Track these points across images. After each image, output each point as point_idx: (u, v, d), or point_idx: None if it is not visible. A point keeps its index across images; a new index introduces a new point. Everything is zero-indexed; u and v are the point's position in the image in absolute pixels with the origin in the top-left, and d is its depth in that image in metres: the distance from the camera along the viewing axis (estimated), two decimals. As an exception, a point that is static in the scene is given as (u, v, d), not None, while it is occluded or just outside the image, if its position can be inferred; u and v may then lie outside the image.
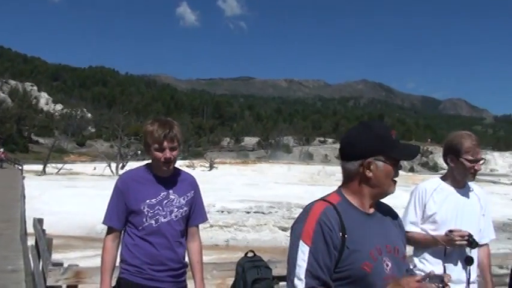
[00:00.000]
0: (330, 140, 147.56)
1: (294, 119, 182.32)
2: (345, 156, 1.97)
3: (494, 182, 56.25)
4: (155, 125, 3.06)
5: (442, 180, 3.39)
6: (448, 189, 3.32)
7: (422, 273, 3.29)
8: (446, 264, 3.21)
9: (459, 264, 3.21)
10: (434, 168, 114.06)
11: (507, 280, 6.52)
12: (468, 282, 3.18)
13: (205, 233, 16.64)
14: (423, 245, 3.30)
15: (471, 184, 3.39)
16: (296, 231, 1.88)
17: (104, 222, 3.19)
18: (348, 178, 1.97)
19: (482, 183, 53.20)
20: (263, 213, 21.12)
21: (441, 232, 3.20)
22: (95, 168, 51.34)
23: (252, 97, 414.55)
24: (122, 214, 3.14)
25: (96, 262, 3.88)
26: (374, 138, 1.92)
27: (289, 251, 1.88)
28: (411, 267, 3.13)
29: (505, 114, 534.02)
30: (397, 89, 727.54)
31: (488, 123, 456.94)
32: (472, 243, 3.11)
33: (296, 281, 1.80)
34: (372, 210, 1.98)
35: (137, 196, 3.10)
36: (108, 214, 3.18)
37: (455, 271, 3.15)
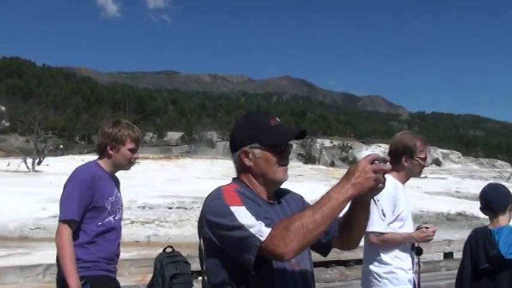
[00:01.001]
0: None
1: (218, 114, 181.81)
2: (231, 149, 1.99)
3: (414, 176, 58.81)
4: (131, 127, 3.31)
5: (395, 179, 3.54)
6: (401, 186, 3.57)
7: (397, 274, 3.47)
8: (412, 257, 3.52)
9: (413, 255, 3.55)
10: (353, 163, 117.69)
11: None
12: (413, 269, 3.55)
13: (126, 229, 16.23)
14: (400, 243, 3.47)
15: None
16: (218, 207, 1.80)
17: (65, 217, 3.11)
18: (237, 170, 1.99)
19: (397, 177, 55.59)
20: (185, 208, 20.96)
21: (405, 229, 3.47)
22: (8, 164, 48.91)
23: (175, 91, 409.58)
24: (83, 209, 3.14)
25: (10, 262, 3.71)
26: (249, 127, 1.94)
27: (228, 228, 1.75)
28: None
29: (420, 111, 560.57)
30: (319, 85, 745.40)
31: (404, 119, 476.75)
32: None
33: (258, 235, 1.70)
34: (271, 201, 1.96)
35: (103, 193, 3.22)
36: (71, 207, 3.11)
37: (411, 261, 3.52)
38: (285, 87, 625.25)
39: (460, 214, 22.58)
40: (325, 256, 2.14)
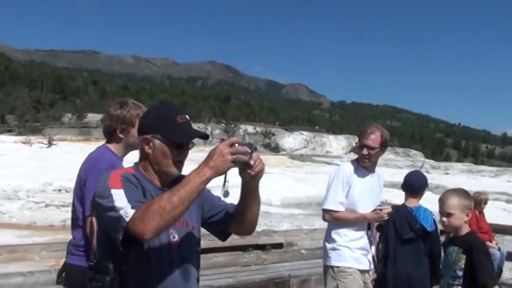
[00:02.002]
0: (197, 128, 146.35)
1: (141, 96, 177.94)
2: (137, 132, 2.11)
3: (328, 163, 60.35)
4: (139, 107, 3.12)
5: (356, 163, 3.82)
6: (362, 171, 3.79)
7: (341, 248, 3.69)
8: (365, 238, 3.74)
9: (370, 235, 3.81)
10: (275, 149, 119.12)
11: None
12: (370, 250, 3.82)
13: (40, 213, 15.72)
14: (352, 222, 3.70)
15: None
16: (102, 190, 1.90)
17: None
18: (139, 153, 2.10)
19: (318, 164, 56.93)
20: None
21: (360, 209, 3.70)
22: None
23: (96, 72, 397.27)
24: None
25: None
26: (156, 117, 2.03)
27: (106, 209, 1.87)
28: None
29: (341, 100, 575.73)
30: (244, 71, 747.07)
31: (326, 108, 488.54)
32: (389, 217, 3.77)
33: (124, 216, 1.81)
34: (165, 188, 2.01)
35: None
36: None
37: (368, 242, 3.77)
38: (210, 72, 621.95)
39: (375, 201, 23.40)
40: (223, 241, 2.29)
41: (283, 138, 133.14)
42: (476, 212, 7.32)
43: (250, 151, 1.82)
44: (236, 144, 1.81)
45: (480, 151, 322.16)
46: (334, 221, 3.73)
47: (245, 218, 2.10)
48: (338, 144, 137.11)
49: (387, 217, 3.75)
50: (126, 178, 1.94)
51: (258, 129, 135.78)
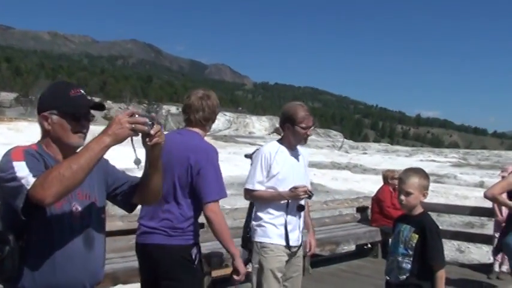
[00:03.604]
0: (96, 99, 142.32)
1: (58, 75, 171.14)
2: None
3: (251, 144, 60.92)
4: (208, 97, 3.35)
5: (279, 143, 3.87)
6: (285, 151, 3.84)
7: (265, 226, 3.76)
8: (288, 215, 3.80)
9: (295, 212, 3.82)
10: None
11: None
12: (299, 227, 3.90)
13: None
14: (270, 200, 3.80)
15: (298, 147, 3.94)
16: (3, 164, 1.94)
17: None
18: (41, 132, 2.17)
19: (241, 144, 57.37)
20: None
21: (282, 188, 3.75)
22: None
23: (9, 49, 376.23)
24: None
25: None
26: (51, 95, 2.14)
27: (7, 180, 1.91)
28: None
29: (264, 82, 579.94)
30: (166, 51, 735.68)
31: (249, 89, 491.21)
32: (310, 195, 3.81)
33: (26, 184, 1.86)
34: None
35: None
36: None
37: (294, 219, 3.82)
38: (131, 50, 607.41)
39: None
40: (130, 212, 2.42)
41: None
42: (391, 189, 7.60)
43: (150, 122, 1.91)
44: (136, 115, 1.90)
45: (396, 132, 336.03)
46: (253, 199, 3.88)
47: (148, 187, 2.21)
48: (261, 125, 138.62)
49: (303, 195, 3.78)
50: (28, 152, 2.00)
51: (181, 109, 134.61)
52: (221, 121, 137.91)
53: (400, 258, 3.24)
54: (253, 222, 3.88)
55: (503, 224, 5.77)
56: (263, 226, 3.80)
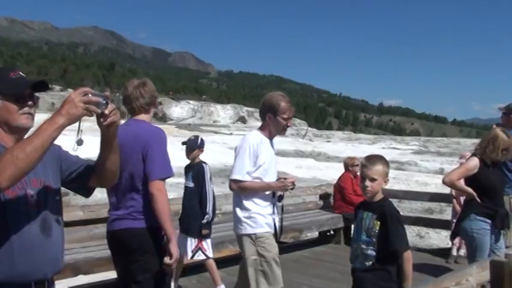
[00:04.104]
0: (57, 88, 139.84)
1: (17, 62, 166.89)
2: None
3: (215, 132, 60.83)
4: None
5: (261, 133, 3.92)
6: (267, 141, 3.90)
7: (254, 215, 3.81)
8: (273, 204, 3.92)
9: (276, 201, 3.96)
10: (163, 119, 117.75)
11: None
12: (277, 214, 4.01)
13: None
14: (258, 191, 3.84)
15: None
16: None
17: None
18: None
19: (205, 133, 57.16)
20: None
21: (266, 178, 3.83)
22: None
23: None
24: None
25: None
26: None
27: None
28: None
29: (228, 70, 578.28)
30: (129, 38, 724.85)
31: (213, 77, 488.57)
32: (294, 186, 3.92)
33: None
34: None
35: None
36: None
37: (275, 208, 3.95)
38: (93, 38, 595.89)
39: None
40: (87, 197, 2.39)
41: (170, 107, 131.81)
42: (352, 175, 7.70)
43: (104, 102, 1.88)
44: (90, 94, 1.86)
45: (359, 120, 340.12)
46: (241, 190, 3.83)
47: (105, 168, 2.20)
48: (225, 113, 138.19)
49: (291, 186, 3.89)
50: None
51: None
52: (185, 109, 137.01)
53: (364, 246, 3.29)
54: (240, 214, 3.85)
55: (459, 209, 5.94)
56: (253, 217, 3.82)
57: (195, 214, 5.02)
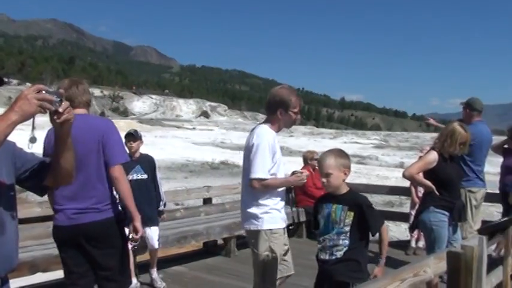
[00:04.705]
0: (14, 81, 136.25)
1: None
2: None
3: (178, 127, 60.39)
4: None
5: (271, 128, 3.88)
6: (276, 137, 3.90)
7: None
8: (289, 197, 3.99)
9: (289, 194, 4.01)
10: (124, 114, 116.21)
11: (177, 214, 7.14)
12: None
13: None
14: (278, 187, 3.84)
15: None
16: None
17: None
18: None
19: (167, 128, 56.70)
20: None
21: (279, 173, 3.83)
22: None
23: None
24: None
25: None
26: None
27: None
28: None
29: (191, 64, 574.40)
30: (89, 31, 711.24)
31: (176, 71, 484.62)
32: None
33: None
34: None
35: None
36: None
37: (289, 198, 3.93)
38: (52, 30, 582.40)
39: (223, 163, 23.98)
40: (41, 196, 2.36)
41: (132, 102, 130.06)
42: (311, 169, 7.75)
43: (58, 99, 1.86)
44: (44, 91, 1.84)
45: (321, 115, 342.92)
46: (264, 188, 3.79)
47: (60, 166, 2.16)
48: (188, 108, 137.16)
49: (305, 180, 3.94)
50: None
51: (106, 92, 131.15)
52: (147, 104, 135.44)
53: (335, 237, 3.33)
54: (256, 211, 3.82)
55: (418, 201, 6.06)
56: (270, 213, 3.82)
57: (155, 203, 5.30)
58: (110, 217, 3.35)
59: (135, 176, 5.08)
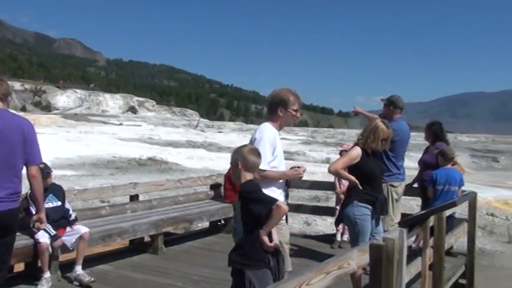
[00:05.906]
0: None
1: None
2: None
3: (104, 123, 58.87)
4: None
5: (272, 125, 4.25)
6: (277, 133, 4.27)
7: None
8: (285, 190, 4.24)
9: (286, 188, 4.30)
10: (47, 108, 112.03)
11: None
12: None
13: None
14: (275, 179, 4.13)
15: None
16: None
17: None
18: None
19: (93, 123, 55.12)
20: None
21: (280, 167, 4.19)
22: None
23: None
24: None
25: None
26: None
27: None
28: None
29: (117, 58, 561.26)
30: (9, 22, 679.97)
31: (102, 65, 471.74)
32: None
33: None
34: None
35: None
36: None
37: (284, 194, 4.23)
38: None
39: (150, 159, 23.60)
40: None
41: (55, 96, 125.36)
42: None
43: None
44: None
45: (250, 111, 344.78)
46: (262, 178, 3.96)
47: None
48: (115, 103, 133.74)
49: (303, 174, 4.23)
50: None
51: (27, 86, 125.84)
52: (72, 98, 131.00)
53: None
54: None
55: (342, 196, 6.23)
56: None
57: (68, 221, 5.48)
58: (17, 207, 3.72)
59: (50, 205, 5.21)
